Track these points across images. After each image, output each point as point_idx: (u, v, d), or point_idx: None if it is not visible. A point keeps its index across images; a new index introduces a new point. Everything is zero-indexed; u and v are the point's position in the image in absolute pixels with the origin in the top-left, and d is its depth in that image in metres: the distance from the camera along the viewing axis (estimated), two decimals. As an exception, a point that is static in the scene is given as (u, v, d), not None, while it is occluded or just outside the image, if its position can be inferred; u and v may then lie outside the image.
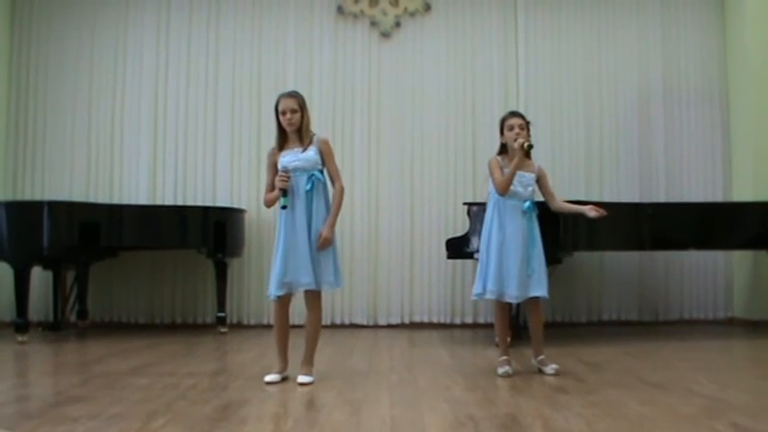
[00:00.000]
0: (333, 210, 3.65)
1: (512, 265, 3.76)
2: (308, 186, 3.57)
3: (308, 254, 3.53)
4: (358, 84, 6.48)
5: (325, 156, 3.67)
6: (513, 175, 3.78)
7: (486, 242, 3.86)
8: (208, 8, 6.54)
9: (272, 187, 3.67)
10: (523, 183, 3.85)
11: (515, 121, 3.85)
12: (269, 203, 3.72)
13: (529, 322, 4.02)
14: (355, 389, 3.43)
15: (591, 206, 3.90)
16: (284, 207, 3.56)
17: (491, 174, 3.86)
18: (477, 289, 3.88)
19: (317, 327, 3.69)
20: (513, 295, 3.77)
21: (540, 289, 3.82)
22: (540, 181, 3.94)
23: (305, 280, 3.53)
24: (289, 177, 3.55)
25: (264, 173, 3.80)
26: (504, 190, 3.79)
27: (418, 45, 6.55)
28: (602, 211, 3.86)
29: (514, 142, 3.77)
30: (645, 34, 6.63)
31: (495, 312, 3.99)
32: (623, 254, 6.32)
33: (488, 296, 3.82)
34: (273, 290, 3.57)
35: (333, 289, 3.65)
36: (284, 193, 3.55)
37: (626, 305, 6.39)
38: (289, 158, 3.61)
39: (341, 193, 3.68)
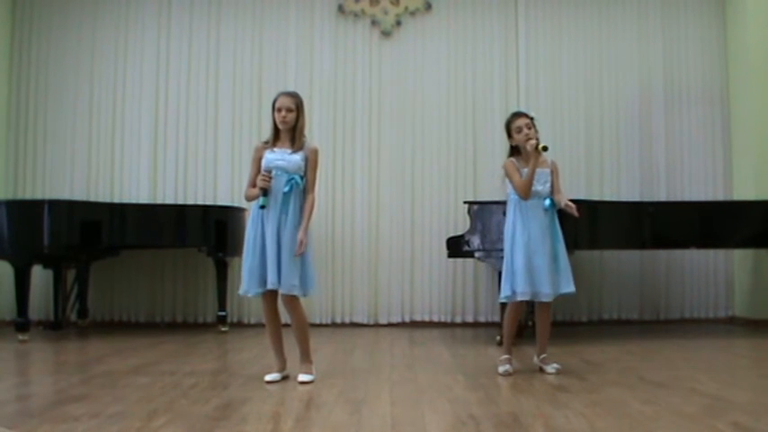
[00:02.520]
0: (306, 217, 3.60)
1: (541, 264, 3.73)
2: (287, 189, 3.56)
3: (276, 255, 3.50)
4: (359, 83, 6.48)
5: (310, 164, 3.65)
6: (532, 177, 3.75)
7: (511, 243, 3.80)
8: (208, 7, 6.54)
9: (254, 182, 3.66)
10: (541, 180, 3.82)
11: (522, 121, 3.82)
12: (250, 198, 3.71)
13: (537, 320, 4.00)
14: (356, 388, 3.42)
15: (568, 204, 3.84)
16: (263, 207, 3.56)
17: (509, 177, 3.84)
18: (505, 292, 3.79)
19: (302, 328, 3.65)
20: (547, 293, 3.73)
21: (568, 285, 3.81)
22: (552, 176, 3.91)
23: (271, 280, 3.50)
24: (270, 178, 3.55)
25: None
26: (526, 194, 3.77)
27: (419, 44, 6.55)
28: (573, 209, 3.81)
29: (527, 143, 3.75)
30: (646, 33, 6.63)
31: (509, 311, 3.91)
32: (624, 253, 6.32)
33: (520, 298, 3.75)
34: (251, 288, 3.54)
35: (300, 293, 3.55)
36: (264, 192, 3.55)
37: (627, 304, 6.39)
38: (275, 156, 3.59)
39: (313, 204, 3.66)
